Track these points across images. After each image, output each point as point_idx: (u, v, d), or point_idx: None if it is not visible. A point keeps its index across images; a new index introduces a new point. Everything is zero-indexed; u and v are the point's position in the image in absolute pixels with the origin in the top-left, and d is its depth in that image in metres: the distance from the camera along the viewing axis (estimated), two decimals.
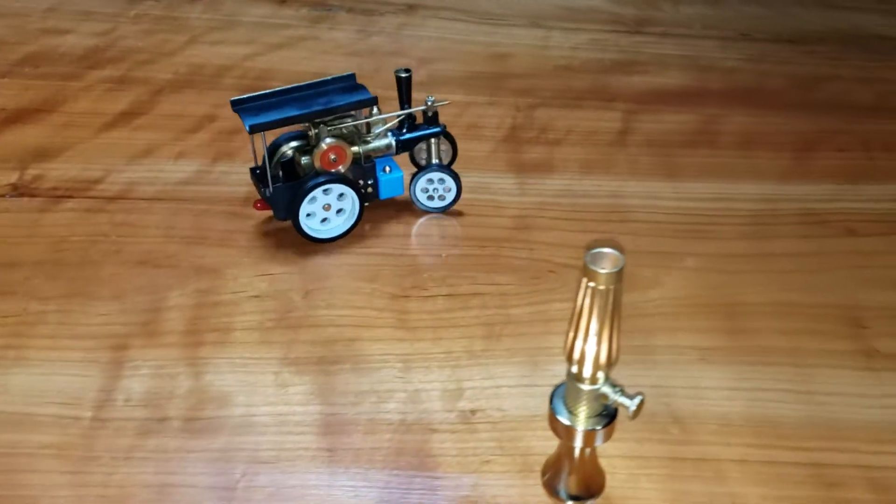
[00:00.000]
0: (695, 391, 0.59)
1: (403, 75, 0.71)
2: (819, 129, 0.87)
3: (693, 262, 0.70)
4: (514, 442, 0.55)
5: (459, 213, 0.74)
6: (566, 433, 0.48)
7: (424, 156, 0.74)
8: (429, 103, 0.72)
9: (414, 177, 0.73)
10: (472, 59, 0.99)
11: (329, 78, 0.70)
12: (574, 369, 0.46)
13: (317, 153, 0.68)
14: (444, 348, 0.61)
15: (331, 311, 0.64)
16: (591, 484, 0.52)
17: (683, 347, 0.62)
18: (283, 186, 0.68)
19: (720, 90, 0.94)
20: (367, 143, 0.71)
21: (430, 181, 0.73)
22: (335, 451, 0.54)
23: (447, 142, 0.75)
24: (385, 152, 0.72)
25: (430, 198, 0.73)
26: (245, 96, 0.68)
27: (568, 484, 0.51)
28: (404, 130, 0.72)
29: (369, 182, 0.72)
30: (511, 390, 0.58)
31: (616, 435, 0.55)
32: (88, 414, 0.56)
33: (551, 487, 0.52)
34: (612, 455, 0.54)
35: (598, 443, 0.48)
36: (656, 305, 0.65)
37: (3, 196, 0.75)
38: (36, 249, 0.69)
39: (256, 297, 0.65)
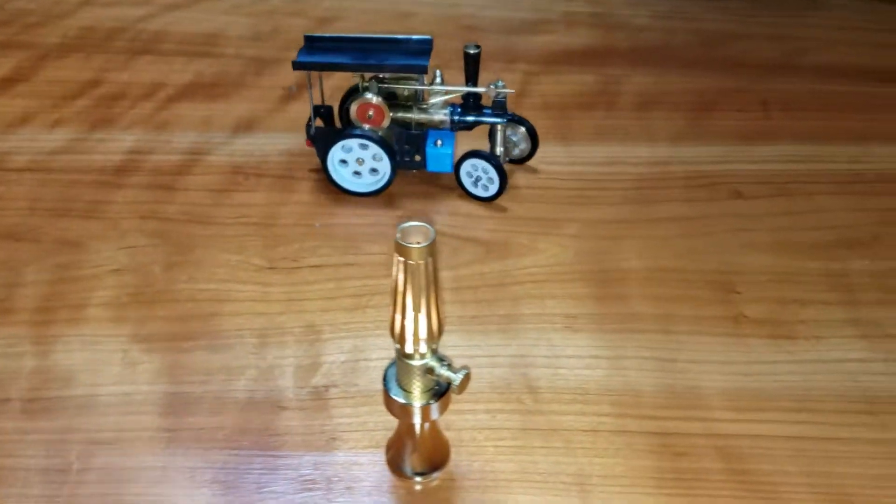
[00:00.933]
0: (555, 360, 0.57)
1: (472, 52, 0.67)
2: (720, 88, 0.85)
3: (574, 229, 0.68)
4: (365, 418, 0.53)
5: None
6: (402, 411, 0.47)
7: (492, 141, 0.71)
8: (492, 87, 0.68)
9: (462, 158, 0.70)
10: (374, 18, 0.96)
11: (405, 37, 0.67)
12: (399, 346, 0.45)
13: (354, 105, 0.67)
14: (305, 322, 0.60)
15: (191, 284, 0.62)
16: (435, 458, 0.50)
17: (550, 315, 0.61)
18: (323, 129, 0.69)
19: (626, 49, 0.92)
20: (423, 111, 0.69)
21: (475, 167, 0.69)
22: (176, 432, 0.52)
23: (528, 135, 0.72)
24: (439, 126, 0.69)
25: (475, 184, 0.70)
26: (319, 35, 0.67)
27: (412, 460, 0.50)
28: (468, 109, 0.69)
29: (416, 150, 0.70)
30: (370, 364, 0.57)
31: (468, 407, 0.54)
32: None
33: (395, 465, 0.51)
34: (462, 428, 0.53)
35: (435, 416, 0.47)
36: (528, 273, 0.64)
37: None
38: None
39: (116, 270, 0.63)
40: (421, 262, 0.41)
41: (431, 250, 0.41)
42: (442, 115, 0.69)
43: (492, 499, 0.49)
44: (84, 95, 0.82)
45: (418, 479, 0.50)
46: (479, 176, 0.69)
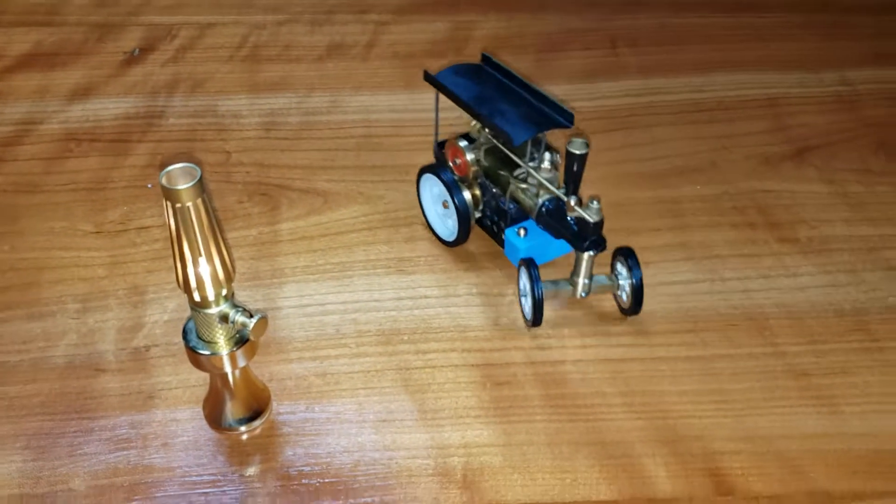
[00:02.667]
0: (385, 304, 0.57)
1: (578, 152, 0.52)
2: (568, 30, 0.86)
3: (413, 174, 0.68)
4: (186, 376, 0.52)
5: (180, 137, 0.71)
6: (210, 363, 0.46)
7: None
8: (588, 205, 0.52)
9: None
10: None
11: (554, 100, 0.54)
12: (188, 296, 0.44)
13: (448, 143, 0.59)
14: (129, 284, 0.58)
15: (12, 254, 0.60)
16: (256, 402, 0.50)
17: (382, 262, 0.60)
18: (432, 164, 0.61)
19: None
20: (518, 183, 0.56)
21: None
22: None
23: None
24: (528, 211, 0.56)
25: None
26: (493, 59, 0.59)
27: (229, 411, 0.49)
28: (553, 214, 0.55)
29: (498, 223, 0.59)
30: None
31: (296, 356, 0.54)
32: None
33: (213, 419, 0.50)
34: (288, 377, 0.52)
35: (242, 363, 0.47)
36: (365, 221, 0.63)
37: None
38: None
39: None
40: (189, 203, 0.40)
41: (200, 191, 0.40)
42: (531, 202, 0.56)
43: (310, 444, 0.49)
44: None
45: (241, 428, 0.50)
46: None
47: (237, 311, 0.45)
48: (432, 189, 0.62)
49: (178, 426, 0.50)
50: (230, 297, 0.45)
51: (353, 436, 0.49)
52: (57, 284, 0.58)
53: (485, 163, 0.58)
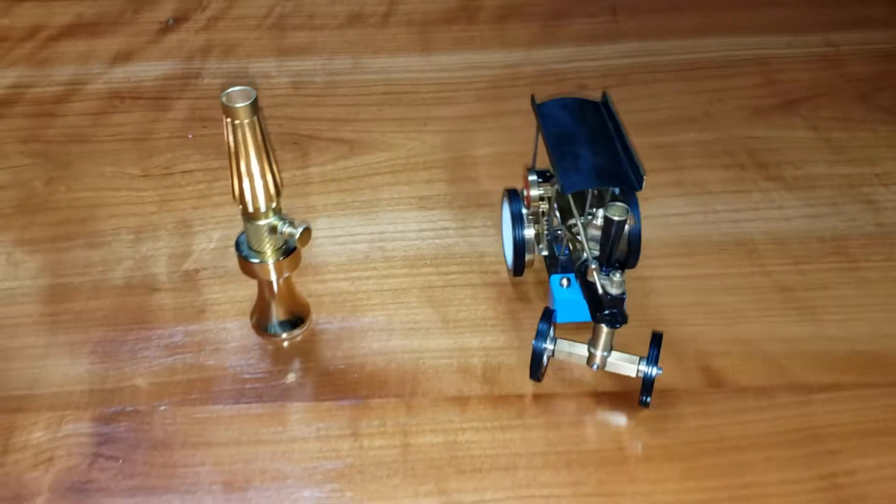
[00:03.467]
0: (409, 234, 0.63)
1: (615, 218, 0.47)
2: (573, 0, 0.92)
3: (430, 126, 0.74)
4: (233, 293, 0.59)
5: (217, 95, 0.77)
6: (260, 270, 0.52)
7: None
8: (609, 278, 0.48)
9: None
10: None
11: (637, 160, 0.50)
12: (242, 207, 0.50)
13: (524, 173, 0.57)
14: (177, 217, 0.65)
15: (71, 194, 0.66)
16: (297, 312, 0.56)
17: (407, 198, 0.66)
18: (514, 189, 0.59)
19: None
20: (573, 233, 0.54)
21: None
22: (57, 316, 0.57)
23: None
24: (576, 262, 0.53)
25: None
26: (607, 102, 0.56)
27: (274, 319, 0.56)
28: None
29: (550, 266, 0.58)
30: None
31: (325, 272, 0.60)
32: None
33: (260, 327, 0.56)
34: (324, 294, 0.58)
35: (287, 272, 0.53)
36: (388, 165, 0.70)
37: None
38: None
39: (0, 188, 0.67)
40: (246, 120, 0.46)
41: (255, 109, 0.46)
42: (576, 255, 0.53)
43: (349, 347, 0.55)
44: None
45: (284, 334, 0.56)
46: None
47: (284, 223, 0.51)
48: (507, 216, 0.59)
49: (228, 334, 0.56)
50: (278, 211, 0.51)
51: (384, 341, 0.55)
52: (111, 219, 0.64)
53: (556, 202, 0.56)
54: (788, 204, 0.66)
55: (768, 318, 0.57)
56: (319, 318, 0.57)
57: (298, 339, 0.56)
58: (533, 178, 0.56)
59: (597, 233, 0.52)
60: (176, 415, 0.51)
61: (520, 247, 0.57)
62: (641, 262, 0.59)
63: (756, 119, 0.74)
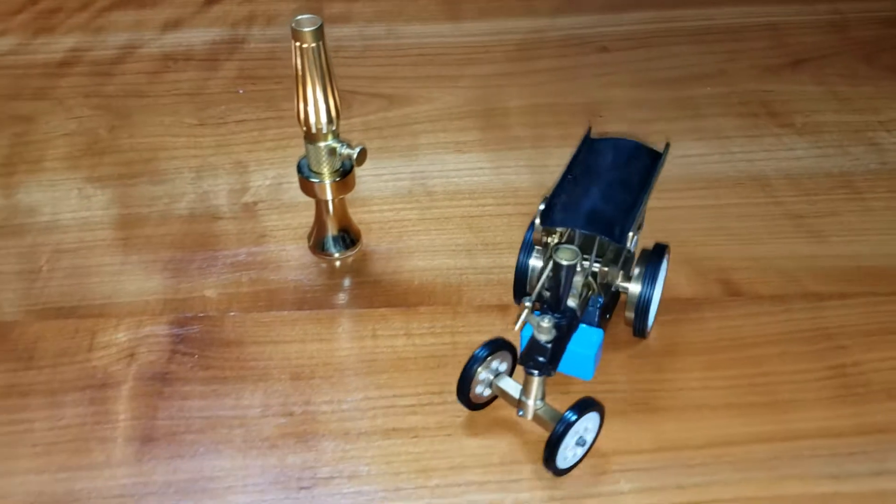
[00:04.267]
0: (448, 172, 0.68)
1: (562, 262, 0.45)
2: None
3: (463, 82, 0.79)
4: (290, 221, 0.64)
5: (261, 57, 0.82)
6: (318, 190, 0.58)
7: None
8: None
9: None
10: None
11: (637, 213, 0.50)
12: (305, 129, 0.55)
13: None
14: (233, 159, 0.70)
15: (133, 140, 0.72)
16: (350, 233, 0.61)
17: (444, 143, 0.72)
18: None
19: None
20: (581, 273, 0.50)
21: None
22: (129, 240, 0.62)
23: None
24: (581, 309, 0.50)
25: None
26: (664, 155, 0.54)
27: (329, 240, 0.61)
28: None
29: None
30: (291, 185, 0.67)
31: (372, 205, 0.65)
32: None
33: (316, 248, 0.61)
34: (371, 220, 0.64)
35: (343, 192, 0.58)
36: (427, 115, 0.75)
37: None
38: None
39: (66, 134, 0.72)
40: (313, 44, 0.52)
41: (321, 34, 0.52)
42: (572, 302, 0.48)
43: (395, 267, 0.60)
44: (24, 11, 0.90)
45: (337, 254, 0.61)
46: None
47: (342, 145, 0.56)
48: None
49: (288, 254, 0.61)
50: (337, 135, 0.56)
51: (429, 260, 0.60)
52: (172, 160, 0.70)
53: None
54: (798, 146, 0.71)
55: (781, 239, 0.62)
56: (369, 242, 0.62)
57: (350, 259, 0.61)
58: (543, 206, 0.50)
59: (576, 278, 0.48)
60: (244, 319, 0.56)
61: (519, 273, 0.54)
62: (663, 193, 0.65)
63: (767, 75, 0.80)
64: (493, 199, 0.66)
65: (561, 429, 0.45)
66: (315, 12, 0.90)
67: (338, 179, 0.57)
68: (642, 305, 0.52)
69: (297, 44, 0.52)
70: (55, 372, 0.53)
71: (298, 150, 0.70)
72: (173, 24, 0.88)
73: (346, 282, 0.59)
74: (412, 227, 0.64)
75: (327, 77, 0.53)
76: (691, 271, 0.59)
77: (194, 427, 0.50)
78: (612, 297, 0.54)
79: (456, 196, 0.66)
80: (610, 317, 0.55)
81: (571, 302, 0.48)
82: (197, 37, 0.86)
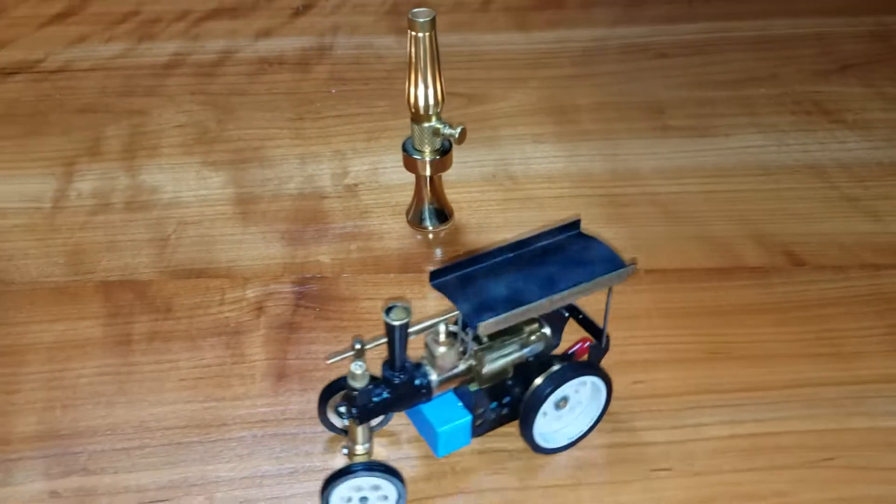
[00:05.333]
0: (527, 160, 0.75)
1: (395, 323, 0.44)
2: None
3: (534, 83, 0.86)
4: (388, 199, 0.71)
5: (348, 62, 0.90)
6: (418, 165, 0.64)
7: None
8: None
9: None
10: None
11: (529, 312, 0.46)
12: (413, 111, 0.62)
13: None
14: (332, 148, 0.77)
15: (240, 131, 0.79)
16: (444, 209, 0.68)
17: (521, 135, 0.78)
18: None
19: None
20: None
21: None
22: (247, 213, 0.69)
23: None
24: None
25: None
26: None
27: (426, 215, 0.67)
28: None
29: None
30: (386, 170, 0.74)
31: (462, 188, 0.72)
32: (48, 205, 0.70)
33: (415, 222, 0.68)
34: (461, 200, 0.70)
35: (441, 171, 0.65)
36: (504, 112, 0.82)
37: None
38: None
39: (180, 126, 0.80)
40: (425, 33, 0.58)
41: (433, 26, 0.59)
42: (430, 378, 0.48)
43: (485, 238, 0.67)
44: (127, 21, 0.98)
45: (431, 227, 0.67)
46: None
47: (445, 126, 0.63)
48: None
49: (388, 227, 0.68)
50: (440, 117, 0.63)
51: (515, 233, 0.67)
52: (277, 148, 0.77)
53: None
54: (850, 139, 0.77)
55: (839, 219, 0.68)
56: (460, 218, 0.69)
57: (443, 233, 0.68)
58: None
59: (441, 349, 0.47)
60: (356, 280, 0.63)
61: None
62: (726, 179, 0.71)
63: (817, 79, 0.86)
64: (569, 182, 0.72)
65: (334, 477, 0.45)
66: (393, 24, 0.98)
67: (438, 157, 0.64)
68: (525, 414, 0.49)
69: (412, 33, 0.59)
70: (192, 322, 0.60)
71: (389, 140, 0.77)
72: (264, 33, 0.96)
73: (443, 251, 0.66)
74: (497, 206, 0.70)
75: (436, 64, 0.60)
76: (757, 245, 0.65)
77: (321, 366, 0.56)
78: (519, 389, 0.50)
79: (535, 180, 0.73)
80: (507, 414, 0.50)
81: (434, 374, 0.47)
82: (288, 44, 0.94)
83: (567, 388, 0.49)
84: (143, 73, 0.88)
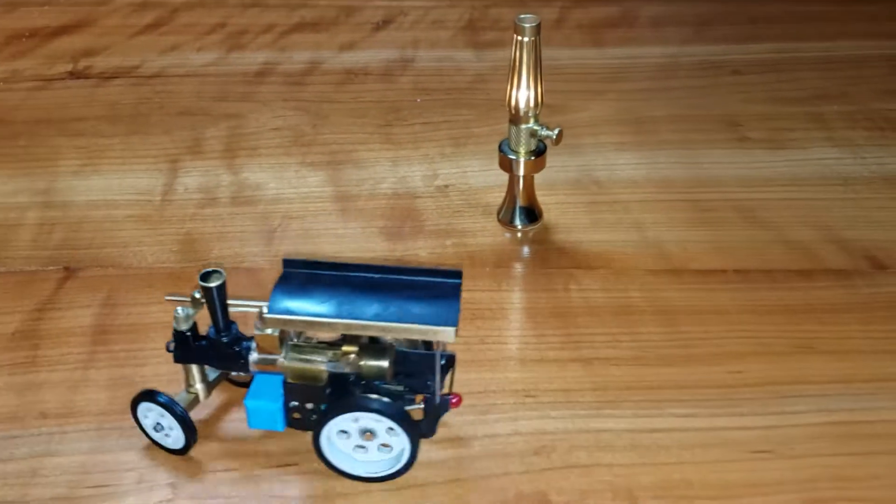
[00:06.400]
0: (610, 166, 0.78)
1: (210, 285, 0.49)
2: (714, 12, 1.07)
3: (611, 96, 0.90)
4: (477, 200, 0.74)
5: (430, 73, 0.94)
6: (513, 165, 0.68)
7: None
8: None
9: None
10: None
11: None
12: (512, 112, 0.65)
13: None
14: (422, 153, 0.81)
15: (333, 135, 0.83)
16: (534, 209, 0.71)
17: (603, 143, 0.82)
18: None
19: None
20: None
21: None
22: (346, 210, 0.73)
23: None
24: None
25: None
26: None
27: (516, 214, 0.71)
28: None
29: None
30: (474, 173, 0.78)
31: (552, 192, 0.75)
32: (158, 198, 0.75)
33: (506, 220, 0.71)
34: (549, 202, 0.73)
35: (535, 171, 0.68)
36: (584, 121, 0.85)
37: (62, 79, 0.93)
38: (96, 109, 0.88)
39: (276, 129, 0.84)
40: (531, 38, 0.62)
41: (538, 31, 0.62)
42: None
43: (574, 238, 0.70)
44: (215, 33, 1.03)
45: (520, 226, 0.71)
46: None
47: (542, 128, 0.66)
48: None
49: (480, 225, 0.71)
50: (537, 120, 0.66)
51: (603, 234, 0.70)
52: (370, 152, 0.81)
53: None
54: None
55: None
56: (549, 219, 0.72)
57: (532, 232, 0.71)
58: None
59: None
60: None
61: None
62: (803, 188, 0.74)
63: (888, 97, 0.88)
64: (653, 187, 0.75)
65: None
66: (470, 39, 1.02)
67: (532, 158, 0.67)
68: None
69: (518, 38, 0.62)
70: None
71: (475, 146, 0.81)
72: (348, 46, 1.00)
73: (535, 247, 0.69)
74: (584, 208, 0.73)
75: (538, 68, 0.64)
76: (839, 249, 0.68)
77: None
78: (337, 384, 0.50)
79: (619, 185, 0.76)
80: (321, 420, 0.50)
81: (255, 351, 0.51)
82: (371, 56, 0.98)
83: (371, 422, 0.49)
84: (235, 81, 0.93)
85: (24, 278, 0.66)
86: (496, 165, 0.70)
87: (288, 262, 0.50)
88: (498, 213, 0.72)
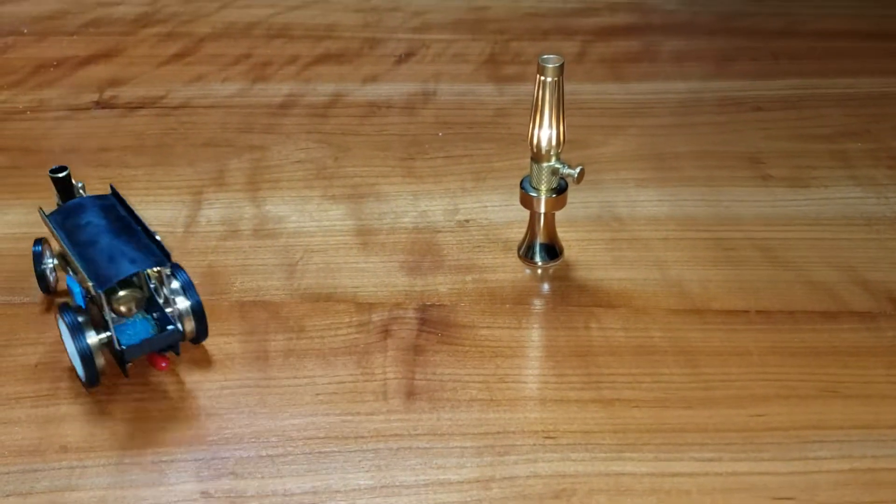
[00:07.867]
0: (632, 202, 0.78)
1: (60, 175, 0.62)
2: (737, 47, 1.08)
3: (633, 131, 0.90)
4: (498, 235, 0.74)
5: (452, 107, 0.94)
6: (534, 202, 0.68)
7: None
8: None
9: None
10: (457, 10, 1.20)
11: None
12: (534, 151, 0.66)
13: None
14: (443, 187, 0.81)
15: (356, 168, 0.84)
16: (555, 246, 0.71)
17: (624, 179, 0.82)
18: None
19: (660, 24, 1.15)
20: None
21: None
22: (367, 244, 0.73)
23: None
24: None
25: None
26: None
27: (536, 250, 0.71)
28: None
29: None
30: (495, 208, 0.78)
31: (572, 229, 0.75)
32: (181, 230, 0.75)
33: (526, 256, 0.71)
34: (570, 238, 0.73)
35: (555, 209, 0.68)
36: (605, 157, 0.85)
37: (88, 109, 0.95)
38: (121, 140, 0.89)
39: (298, 161, 0.85)
40: (554, 78, 0.62)
41: (561, 71, 0.63)
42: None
43: (595, 275, 0.70)
44: (240, 63, 1.05)
45: (540, 262, 0.71)
46: None
47: (564, 166, 0.66)
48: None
49: (500, 261, 0.71)
50: (559, 157, 0.66)
51: (625, 272, 0.70)
52: (391, 185, 0.81)
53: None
54: None
55: None
56: (570, 256, 0.72)
57: (552, 269, 0.71)
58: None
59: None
60: (473, 309, 0.66)
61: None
62: (827, 228, 0.73)
63: None
64: (675, 224, 0.75)
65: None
66: (493, 72, 1.03)
67: (553, 196, 0.67)
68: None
69: (541, 77, 0.63)
70: (324, 341, 0.63)
71: (496, 181, 0.81)
72: (371, 79, 1.01)
73: (555, 284, 0.69)
74: (605, 245, 0.73)
75: (561, 107, 0.64)
76: (863, 291, 0.67)
77: (447, 387, 0.59)
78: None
79: (640, 222, 0.76)
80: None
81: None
82: (394, 89, 0.99)
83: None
84: (260, 112, 0.94)
85: (48, 309, 0.67)
86: (517, 201, 0.71)
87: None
88: (518, 249, 0.72)
